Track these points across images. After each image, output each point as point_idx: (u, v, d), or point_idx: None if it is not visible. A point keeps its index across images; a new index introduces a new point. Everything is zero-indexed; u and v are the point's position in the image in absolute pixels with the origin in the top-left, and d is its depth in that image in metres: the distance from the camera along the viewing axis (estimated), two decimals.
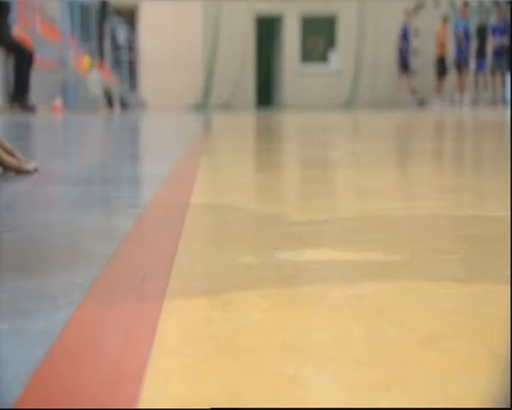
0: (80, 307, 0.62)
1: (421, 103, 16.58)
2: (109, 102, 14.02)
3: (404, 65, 16.69)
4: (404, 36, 16.75)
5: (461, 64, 16.03)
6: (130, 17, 19.18)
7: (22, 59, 8.41)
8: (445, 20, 16.39)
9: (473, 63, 16.38)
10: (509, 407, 0.39)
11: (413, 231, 1.03)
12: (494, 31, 15.97)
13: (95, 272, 0.76)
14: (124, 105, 14.79)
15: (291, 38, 19.97)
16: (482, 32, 16.39)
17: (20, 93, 8.71)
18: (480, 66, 16.34)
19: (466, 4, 16.46)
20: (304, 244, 0.92)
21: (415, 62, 18.46)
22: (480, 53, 16.39)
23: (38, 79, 9.84)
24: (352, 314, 0.61)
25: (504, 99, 15.09)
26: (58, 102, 11.51)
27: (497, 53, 15.84)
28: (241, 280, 0.72)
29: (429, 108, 13.52)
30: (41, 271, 0.79)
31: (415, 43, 18.07)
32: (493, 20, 16.30)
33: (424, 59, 18.87)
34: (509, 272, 0.67)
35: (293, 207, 1.34)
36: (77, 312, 0.61)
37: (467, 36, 16.11)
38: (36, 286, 0.71)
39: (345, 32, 19.94)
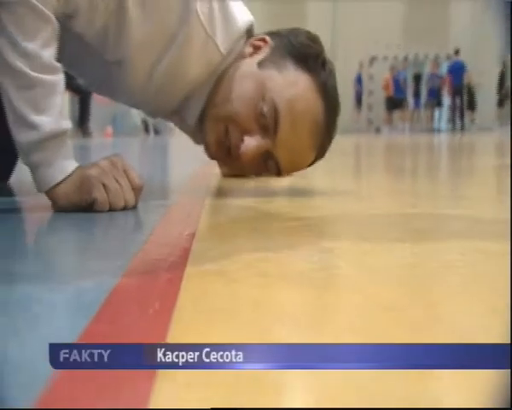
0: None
1: (378, 130, 16.82)
2: (146, 129, 13.96)
3: (359, 102, 17.27)
4: (359, 80, 17.33)
5: (402, 101, 16.55)
6: None
7: (85, 97, 8.62)
8: (391, 69, 16.97)
9: (411, 102, 16.99)
10: (509, 407, 0.32)
11: (375, 225, 0.99)
12: (429, 77, 16.50)
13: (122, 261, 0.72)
14: (156, 131, 14.75)
15: None
16: (417, 79, 17.00)
17: (82, 122, 8.76)
18: (416, 104, 16.97)
19: (406, 59, 17.17)
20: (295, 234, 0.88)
21: (370, 100, 18.53)
22: (416, 94, 17.02)
23: (95, 111, 9.83)
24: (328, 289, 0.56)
25: (433, 128, 15.66)
26: (109, 129, 11.45)
27: (430, 93, 16.32)
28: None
29: (381, 134, 13.58)
30: (66, 270, 0.75)
31: (369, 86, 18.20)
32: (428, 70, 16.84)
33: (377, 97, 18.86)
34: (510, 271, 0.59)
35: (282, 206, 1.30)
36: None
37: (405, 81, 16.68)
38: (56, 282, 0.67)
39: None
